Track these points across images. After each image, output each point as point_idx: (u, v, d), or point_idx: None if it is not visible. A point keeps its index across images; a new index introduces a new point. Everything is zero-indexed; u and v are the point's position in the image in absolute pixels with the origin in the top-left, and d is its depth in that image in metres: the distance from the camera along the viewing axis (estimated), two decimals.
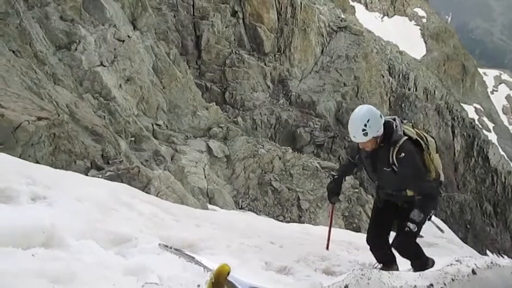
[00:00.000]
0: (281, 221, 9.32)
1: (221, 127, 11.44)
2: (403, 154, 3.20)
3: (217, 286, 0.97)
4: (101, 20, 8.42)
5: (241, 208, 10.32)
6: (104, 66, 8.12)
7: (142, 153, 8.09)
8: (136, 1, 9.80)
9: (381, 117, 3.27)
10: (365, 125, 3.17)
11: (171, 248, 1.27)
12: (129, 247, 2.50)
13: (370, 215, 4.00)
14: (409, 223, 3.19)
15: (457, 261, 2.08)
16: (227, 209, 8.78)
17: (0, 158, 3.51)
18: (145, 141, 8.33)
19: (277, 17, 20.67)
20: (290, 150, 12.53)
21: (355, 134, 3.22)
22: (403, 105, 25.75)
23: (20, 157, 4.91)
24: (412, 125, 3.56)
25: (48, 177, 3.11)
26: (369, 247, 3.72)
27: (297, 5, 20.78)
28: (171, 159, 8.62)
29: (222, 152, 10.79)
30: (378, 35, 29.92)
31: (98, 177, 5.46)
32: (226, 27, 18.39)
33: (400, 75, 27.23)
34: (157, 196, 5.75)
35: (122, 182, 5.74)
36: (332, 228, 4.44)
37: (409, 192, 3.38)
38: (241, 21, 19.55)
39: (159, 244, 1.32)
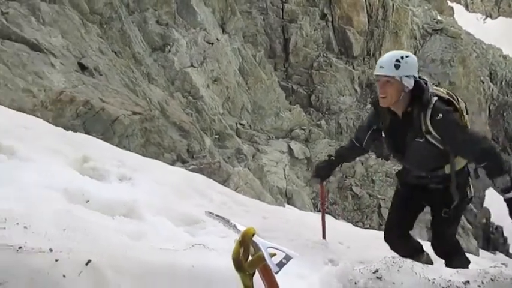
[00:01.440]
0: (360, 227, 9.14)
1: (303, 129, 11.52)
2: (440, 115, 2.53)
3: (243, 244, 1.09)
4: (192, 24, 8.99)
5: (319, 211, 10.28)
6: (194, 67, 8.65)
7: (225, 150, 8.46)
8: (226, 6, 10.30)
9: (418, 71, 2.67)
10: (402, 57, 2.58)
11: (212, 213, 1.41)
12: (197, 228, 2.71)
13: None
14: (506, 195, 2.44)
15: (502, 263, 1.96)
16: (305, 211, 8.83)
17: (98, 144, 3.96)
18: (229, 139, 8.70)
19: (368, 20, 20.19)
20: (373, 156, 12.21)
21: (384, 63, 2.57)
22: (505, 114, 23.69)
23: (116, 146, 5.45)
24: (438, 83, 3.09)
25: (136, 162, 3.47)
26: (388, 246, 3.05)
27: (388, 7, 20.12)
28: (252, 158, 8.90)
29: (303, 153, 10.86)
30: (479, 38, 27.85)
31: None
32: (314, 30, 18.39)
33: (503, 82, 25.08)
34: (235, 191, 6.01)
35: (204, 175, 6.10)
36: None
37: (448, 169, 2.70)
38: (330, 24, 19.40)
39: (205, 211, 1.47)
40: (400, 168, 3.06)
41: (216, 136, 8.31)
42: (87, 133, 5.33)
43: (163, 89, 7.58)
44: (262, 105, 10.59)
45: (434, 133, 2.59)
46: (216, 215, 1.35)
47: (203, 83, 8.77)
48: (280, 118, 11.07)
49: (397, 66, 2.56)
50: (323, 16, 18.80)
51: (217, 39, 9.49)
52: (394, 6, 20.11)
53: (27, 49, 5.43)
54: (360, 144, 3.06)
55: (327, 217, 4.46)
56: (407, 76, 2.58)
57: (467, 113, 2.83)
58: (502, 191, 2.47)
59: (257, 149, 9.60)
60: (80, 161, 2.86)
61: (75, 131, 5.24)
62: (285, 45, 17.08)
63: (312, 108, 15.57)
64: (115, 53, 7.09)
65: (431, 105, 2.58)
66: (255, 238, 1.11)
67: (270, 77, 11.12)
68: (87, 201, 2.37)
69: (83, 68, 6.14)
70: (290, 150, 10.66)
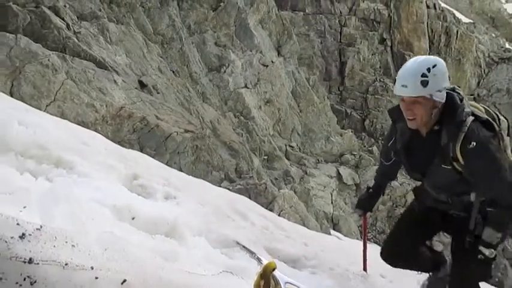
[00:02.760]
0: None
1: (354, 154, 11.39)
2: (473, 144, 2.05)
3: (264, 277, 1.17)
4: (249, 46, 9.24)
5: (368, 240, 10.05)
6: (248, 88, 8.87)
7: (273, 171, 8.54)
8: (283, 30, 10.51)
9: (448, 78, 2.18)
10: (428, 70, 2.07)
11: (240, 244, 1.50)
12: (235, 251, 2.78)
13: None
14: (481, 247, 2.14)
15: None
16: (351, 238, 8.68)
17: (149, 161, 4.17)
18: (277, 161, 8.78)
19: (429, 46, 19.71)
20: None
21: (408, 81, 2.07)
22: None
23: (167, 163, 5.69)
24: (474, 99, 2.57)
25: (181, 181, 3.63)
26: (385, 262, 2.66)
27: (452, 34, 19.55)
28: (300, 181, 8.91)
29: (352, 179, 10.72)
30: None
31: (229, 188, 6.01)
32: (372, 55, 18.21)
33: None
34: (279, 214, 6.05)
35: (249, 196, 6.19)
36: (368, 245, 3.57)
37: (474, 197, 2.27)
38: (389, 48, 19.13)
39: (235, 241, 1.55)
40: (418, 183, 2.60)
41: (265, 157, 8.42)
42: (141, 148, 5.62)
43: (216, 108, 7.82)
44: (313, 128, 10.61)
45: (462, 162, 2.13)
46: (243, 246, 1.43)
47: (255, 104, 8.95)
48: (331, 142, 11.01)
49: (424, 83, 2.06)
50: (382, 40, 18.59)
51: (272, 62, 9.67)
52: (458, 33, 19.52)
53: (94, 66, 5.83)
54: (388, 161, 2.64)
55: (373, 247, 4.36)
56: (438, 91, 2.11)
57: (508, 134, 2.34)
58: (482, 243, 2.17)
59: (305, 172, 9.60)
60: (130, 178, 3.05)
61: (131, 145, 5.54)
62: (341, 69, 17.04)
63: (364, 134, 15.33)
64: (173, 72, 7.43)
65: (465, 128, 2.10)
66: (276, 272, 1.17)
67: (322, 100, 11.13)
68: (133, 218, 2.53)
69: (142, 85, 6.49)
70: (339, 175, 10.55)
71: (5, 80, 4.81)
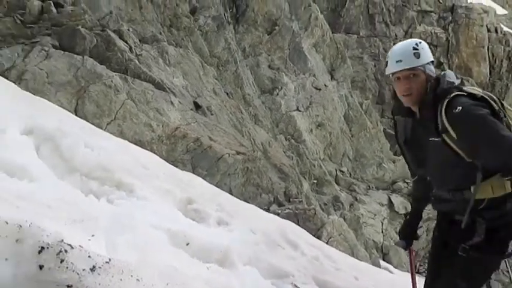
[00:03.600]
0: None
1: (406, 182, 11.00)
2: (459, 108, 1.95)
3: None
4: (302, 70, 9.27)
5: (418, 272, 9.61)
6: (299, 111, 8.86)
7: (323, 196, 8.41)
8: (337, 53, 10.47)
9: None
10: (416, 44, 2.17)
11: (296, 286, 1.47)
12: (285, 282, 2.75)
13: None
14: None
15: None
16: (401, 270, 8.34)
17: (202, 185, 4.24)
18: (327, 186, 8.65)
19: (489, 71, 18.93)
20: None
21: (402, 55, 2.13)
22: None
23: (217, 183, 5.75)
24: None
25: (233, 206, 3.65)
26: None
27: None
28: (349, 207, 8.71)
29: (405, 208, 10.33)
30: None
31: (278, 212, 5.97)
32: None
33: None
34: (327, 242, 5.93)
35: (298, 221, 6.12)
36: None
37: (478, 191, 2.00)
38: None
39: (292, 283, 1.53)
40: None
41: (315, 181, 8.32)
42: (193, 168, 5.72)
43: (267, 130, 7.86)
44: (364, 153, 10.40)
45: (451, 132, 1.99)
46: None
47: (307, 127, 8.92)
48: (383, 169, 10.73)
49: (417, 55, 2.14)
50: (439, 65, 18.06)
51: (325, 85, 9.63)
52: None
53: (153, 87, 6.05)
54: (413, 176, 2.53)
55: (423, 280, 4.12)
56: (429, 63, 2.17)
57: None
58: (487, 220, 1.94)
59: (355, 198, 9.38)
60: (185, 202, 3.11)
61: (184, 165, 5.66)
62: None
63: None
64: (227, 94, 7.56)
65: (449, 96, 2.02)
66: None
67: (375, 125, 10.91)
68: (187, 244, 2.56)
69: (197, 106, 6.64)
70: (390, 203, 10.22)
71: (71, 98, 5.07)
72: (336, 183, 9.28)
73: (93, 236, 1.62)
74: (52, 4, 5.26)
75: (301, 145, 8.45)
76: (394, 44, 11.22)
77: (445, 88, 2.10)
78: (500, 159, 1.93)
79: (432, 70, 2.19)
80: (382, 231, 9.09)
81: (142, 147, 5.10)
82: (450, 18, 17.77)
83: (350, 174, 10.08)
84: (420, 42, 2.21)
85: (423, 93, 2.14)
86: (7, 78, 4.61)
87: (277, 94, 8.66)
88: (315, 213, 6.72)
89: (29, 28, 5.16)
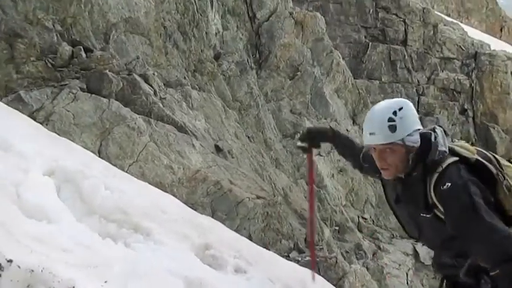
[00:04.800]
0: None
1: None
2: (448, 185, 1.78)
3: None
4: (324, 114, 9.29)
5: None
6: (321, 155, 8.79)
7: (344, 243, 8.16)
8: (359, 99, 10.50)
9: (418, 119, 1.99)
10: (394, 113, 1.89)
11: None
12: None
13: None
14: None
15: None
16: None
17: (221, 230, 4.16)
18: (349, 233, 8.41)
19: None
20: None
21: (375, 128, 1.90)
22: None
23: (237, 228, 5.66)
24: (472, 143, 2.07)
25: (252, 253, 3.55)
26: None
27: None
28: (372, 256, 8.41)
29: (430, 259, 9.92)
30: None
31: (298, 259, 5.80)
32: (452, 125, 17.50)
33: None
34: None
35: (319, 269, 5.91)
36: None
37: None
38: (470, 119, 18.29)
39: None
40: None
41: (336, 228, 8.11)
42: (213, 212, 5.65)
43: (288, 175, 7.79)
44: None
45: (441, 208, 1.83)
46: None
47: (328, 172, 8.81)
48: None
49: (392, 128, 1.88)
50: (463, 111, 17.87)
51: (347, 130, 9.59)
52: None
53: (175, 130, 6.11)
54: (363, 161, 2.36)
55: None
56: (410, 135, 1.91)
57: None
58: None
59: (378, 247, 9.07)
60: (203, 248, 3.04)
61: (203, 208, 5.60)
62: None
63: None
64: (248, 137, 7.59)
65: (440, 168, 1.84)
66: None
67: None
68: None
69: (218, 150, 6.66)
70: (415, 253, 9.83)
71: (95, 140, 5.16)
72: (359, 230, 9.03)
73: (106, 282, 1.58)
74: (82, 49, 5.46)
75: (322, 190, 8.31)
76: (416, 90, 11.27)
77: (434, 159, 1.89)
78: (484, 254, 1.77)
79: (414, 141, 1.93)
80: (408, 283, 8.69)
81: (162, 189, 5.09)
82: (473, 64, 17.73)
83: (373, 222, 9.80)
84: (400, 109, 1.93)
85: (403, 166, 1.95)
86: (35, 119, 4.74)
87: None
88: (337, 261, 6.49)
89: (59, 71, 5.34)
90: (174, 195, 5.19)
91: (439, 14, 18.50)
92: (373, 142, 1.95)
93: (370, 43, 13.94)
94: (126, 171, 5.07)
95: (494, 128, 17.93)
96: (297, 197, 7.24)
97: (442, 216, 1.86)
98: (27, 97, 4.98)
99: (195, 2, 7.49)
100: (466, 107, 17.93)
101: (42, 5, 5.29)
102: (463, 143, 2.04)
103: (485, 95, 17.51)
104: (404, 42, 14.94)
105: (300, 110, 9.05)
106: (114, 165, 4.94)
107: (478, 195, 1.78)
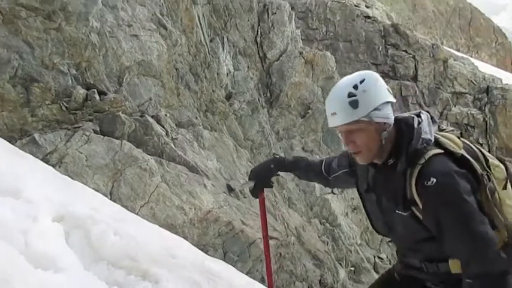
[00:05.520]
0: None
1: None
2: (433, 180, 1.56)
3: None
4: (336, 152, 9.22)
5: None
6: (334, 194, 8.67)
7: (360, 285, 7.91)
8: None
9: (388, 91, 1.70)
10: (355, 87, 1.65)
11: None
12: None
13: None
14: None
15: None
16: None
17: (232, 276, 4.05)
18: (365, 274, 8.17)
19: None
20: None
21: (336, 107, 1.65)
22: None
23: (249, 270, 5.54)
24: (461, 133, 1.80)
25: None
26: None
27: None
28: None
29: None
30: None
31: None
32: None
33: None
34: None
35: None
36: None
37: (454, 266, 1.64)
38: None
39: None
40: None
41: (352, 268, 7.89)
42: (224, 253, 5.56)
43: (301, 214, 7.67)
44: None
45: (420, 205, 1.61)
46: None
47: (342, 211, 8.66)
48: None
49: (354, 104, 1.62)
50: (479, 146, 17.68)
51: None
52: None
53: (187, 170, 6.11)
54: (327, 174, 2.15)
55: None
56: (376, 109, 1.64)
57: (505, 187, 1.70)
58: None
59: None
60: None
61: (215, 249, 5.51)
62: None
63: None
64: None
65: (423, 160, 1.60)
66: None
67: None
68: None
69: (230, 189, 6.62)
70: None
71: (107, 181, 5.17)
72: (375, 271, 8.76)
73: None
74: (96, 92, 5.57)
75: (336, 229, 8.15)
76: None
77: (418, 148, 1.64)
78: (467, 268, 1.56)
79: (385, 116, 1.66)
80: None
81: (174, 231, 5.04)
82: (486, 99, 17.67)
83: (390, 262, 9.51)
84: (362, 81, 1.66)
85: (376, 147, 1.68)
86: (48, 162, 4.78)
87: None
88: None
89: (73, 114, 5.43)
90: (185, 236, 5.13)
91: (448, 49, 18.65)
92: (336, 123, 1.69)
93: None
94: (138, 213, 5.05)
95: (510, 163, 17.63)
96: (310, 237, 7.10)
97: (420, 216, 1.63)
98: (41, 140, 5.05)
99: (206, 44, 7.67)
100: (480, 141, 17.72)
101: (58, 50, 5.44)
102: (449, 134, 1.77)
103: (500, 129, 17.32)
104: (415, 78, 14.99)
105: (312, 148, 9.02)
106: (126, 206, 4.93)
107: (469, 192, 1.58)
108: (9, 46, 5.10)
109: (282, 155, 8.52)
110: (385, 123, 1.68)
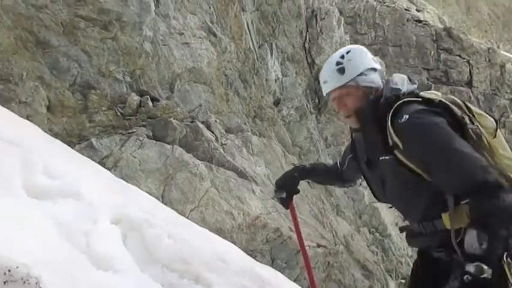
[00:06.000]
0: None
1: None
2: (405, 117, 1.64)
3: None
4: None
5: None
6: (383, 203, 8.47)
7: None
8: None
9: (374, 60, 1.91)
10: (342, 57, 1.89)
11: None
12: None
13: None
14: (466, 264, 1.36)
15: None
16: None
17: (279, 281, 4.02)
18: None
19: None
20: None
21: (326, 76, 1.91)
22: None
23: (297, 277, 5.49)
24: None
25: None
26: None
27: None
28: None
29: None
30: None
31: None
32: None
33: None
34: None
35: None
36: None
37: (447, 220, 1.61)
38: None
39: None
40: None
41: (402, 280, 7.63)
42: (272, 260, 5.54)
43: (350, 222, 7.52)
44: None
45: (401, 146, 1.65)
46: None
47: (392, 221, 8.41)
48: None
49: (341, 71, 1.86)
50: None
51: None
52: None
53: (236, 176, 6.15)
54: (340, 168, 2.34)
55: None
56: (361, 74, 1.86)
57: (495, 136, 1.69)
58: (466, 257, 1.39)
59: None
60: None
61: (262, 255, 5.50)
62: None
63: None
64: (308, 183, 7.46)
65: (394, 104, 1.72)
66: None
67: None
68: None
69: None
70: None
71: (159, 185, 5.30)
72: None
73: None
74: (149, 98, 5.73)
75: (386, 239, 7.92)
76: None
77: (389, 96, 1.80)
78: (454, 181, 1.55)
79: (370, 80, 1.87)
80: None
81: (222, 235, 5.08)
82: None
83: None
84: (348, 52, 1.91)
85: (362, 113, 1.86)
86: (104, 165, 4.97)
87: (360, 184, 8.39)
88: None
89: (127, 120, 5.62)
90: (233, 241, 5.15)
91: (505, 53, 17.75)
92: (328, 89, 1.94)
93: (433, 85, 13.56)
94: (188, 217, 5.14)
95: None
96: (359, 246, 6.94)
97: (403, 158, 1.66)
98: (98, 144, 5.26)
99: (255, 50, 7.72)
100: None
101: (114, 58, 5.66)
102: (435, 92, 1.88)
103: None
104: (469, 84, 14.39)
105: None
106: (176, 210, 5.03)
107: (443, 123, 1.63)
108: (69, 55, 5.36)
109: (331, 162, 8.41)
110: (371, 87, 1.88)
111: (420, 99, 1.76)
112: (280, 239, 5.78)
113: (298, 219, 2.81)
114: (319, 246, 6.08)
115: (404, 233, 1.98)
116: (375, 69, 1.91)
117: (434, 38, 13.83)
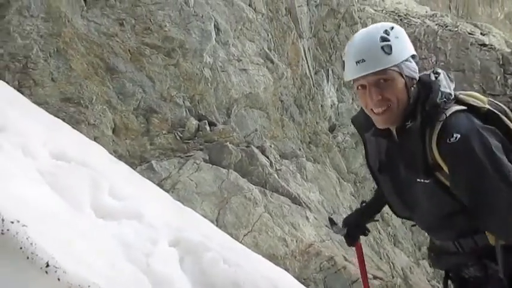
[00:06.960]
0: None
1: None
2: (456, 136, 1.33)
3: None
4: None
5: None
6: None
7: None
8: None
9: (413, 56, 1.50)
10: (386, 32, 1.44)
11: None
12: None
13: None
14: None
15: None
16: None
17: None
18: None
19: None
20: None
21: (364, 53, 1.41)
22: None
23: None
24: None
25: None
26: None
27: None
28: None
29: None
30: None
31: None
32: None
33: None
34: None
35: None
36: None
37: (491, 237, 1.40)
38: None
39: None
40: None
41: None
42: None
43: (408, 254, 7.20)
44: None
45: (445, 169, 1.38)
46: None
47: None
48: None
49: (387, 48, 1.42)
50: None
51: None
52: None
53: (289, 202, 6.12)
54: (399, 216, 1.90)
55: None
56: (408, 60, 1.46)
57: None
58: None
59: None
60: None
61: (316, 284, 5.39)
62: None
63: None
64: None
65: (443, 116, 1.39)
66: None
67: None
68: None
69: (332, 223, 6.47)
70: None
71: (214, 208, 5.39)
72: None
73: None
74: (207, 123, 5.90)
75: None
76: None
77: (438, 103, 1.44)
78: (498, 231, 1.35)
79: (413, 69, 1.49)
80: None
81: (275, 261, 5.03)
82: None
83: None
84: (392, 28, 1.49)
85: (405, 104, 1.46)
86: (162, 187, 5.13)
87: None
88: None
89: (186, 143, 5.80)
90: (286, 268, 5.09)
91: None
92: (365, 71, 1.44)
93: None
94: (241, 241, 5.15)
95: None
96: (418, 280, 6.61)
97: (446, 182, 1.41)
98: (157, 166, 5.46)
99: (311, 76, 7.75)
100: None
101: (175, 84, 5.90)
102: (472, 92, 1.59)
103: None
104: None
105: None
106: (230, 234, 5.06)
107: (500, 149, 1.35)
108: (135, 81, 5.65)
109: None
110: (413, 78, 1.51)
111: (465, 106, 1.49)
112: (334, 268, 5.64)
113: (364, 261, 2.63)
114: (375, 278, 5.86)
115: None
116: (415, 57, 1.55)
117: (501, 62, 13.19)
